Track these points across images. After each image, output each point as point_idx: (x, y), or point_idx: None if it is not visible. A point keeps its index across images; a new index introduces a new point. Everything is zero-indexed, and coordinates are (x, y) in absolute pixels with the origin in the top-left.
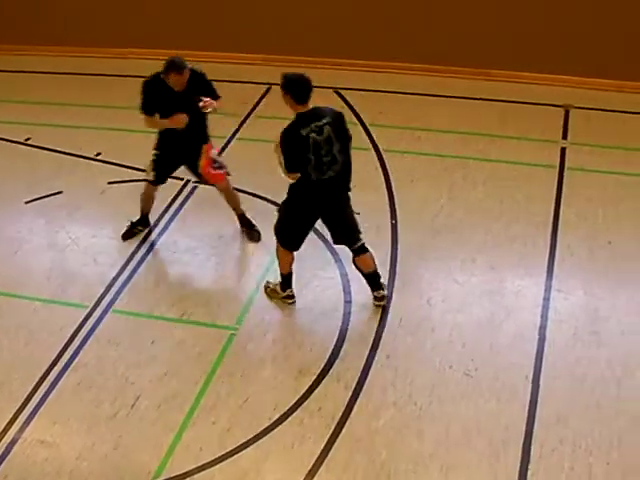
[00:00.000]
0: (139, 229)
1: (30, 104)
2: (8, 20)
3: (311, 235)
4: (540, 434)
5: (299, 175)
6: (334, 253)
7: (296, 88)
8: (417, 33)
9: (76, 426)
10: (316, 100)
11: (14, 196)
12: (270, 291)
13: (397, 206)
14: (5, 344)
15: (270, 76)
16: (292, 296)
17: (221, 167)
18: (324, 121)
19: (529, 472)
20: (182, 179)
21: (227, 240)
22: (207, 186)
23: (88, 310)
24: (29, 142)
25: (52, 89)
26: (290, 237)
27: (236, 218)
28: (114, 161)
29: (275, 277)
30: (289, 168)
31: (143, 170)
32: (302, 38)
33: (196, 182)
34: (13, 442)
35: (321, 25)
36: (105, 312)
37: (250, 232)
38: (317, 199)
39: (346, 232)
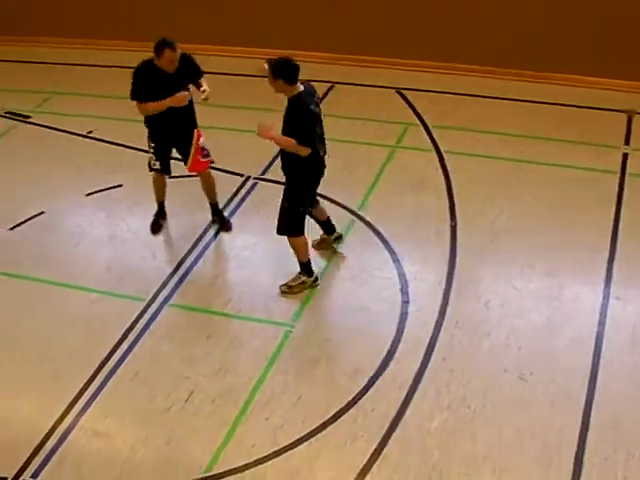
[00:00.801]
0: (160, 222)
1: (94, 97)
2: (77, 15)
3: (370, 234)
4: (594, 440)
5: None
6: (392, 253)
7: (287, 71)
8: (480, 35)
9: (130, 418)
10: (378, 101)
11: (75, 188)
12: (290, 288)
13: (457, 208)
14: (63, 334)
15: (332, 75)
16: (317, 277)
17: (208, 155)
18: (317, 96)
19: (581, 479)
20: (242, 175)
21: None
22: (267, 183)
23: (145, 303)
24: (91, 135)
25: (117, 83)
26: (301, 220)
27: (208, 206)
28: (175, 156)
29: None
30: (309, 143)
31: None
32: (365, 38)
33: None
34: (69, 430)
35: (384, 25)
36: (162, 306)
37: (223, 222)
38: (321, 173)
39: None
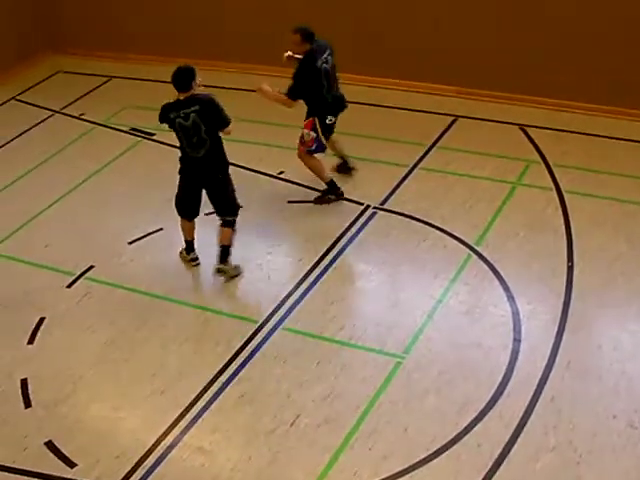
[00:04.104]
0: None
1: None
2: (144, 32)
3: (486, 270)
4: None
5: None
6: (507, 290)
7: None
8: (606, 73)
9: (235, 437)
10: (501, 137)
11: None
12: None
13: (575, 249)
14: (174, 350)
15: (455, 108)
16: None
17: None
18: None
19: None
20: (362, 204)
21: (403, 268)
22: (386, 213)
23: (258, 325)
24: None
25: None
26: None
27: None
28: (295, 180)
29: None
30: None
31: (316, 190)
32: (490, 73)
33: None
34: (172, 446)
35: (509, 61)
36: (274, 329)
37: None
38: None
39: None
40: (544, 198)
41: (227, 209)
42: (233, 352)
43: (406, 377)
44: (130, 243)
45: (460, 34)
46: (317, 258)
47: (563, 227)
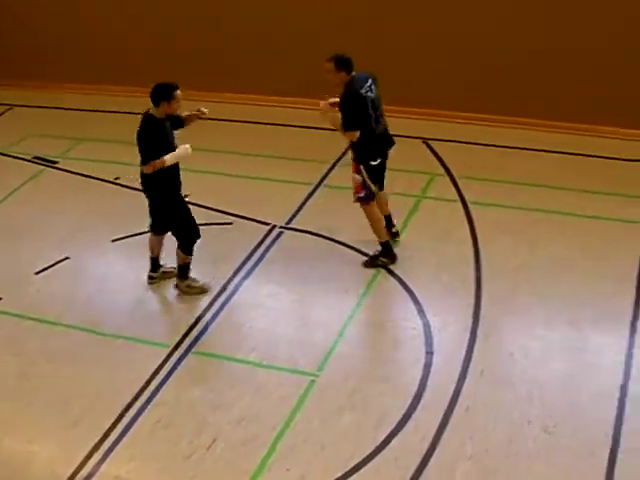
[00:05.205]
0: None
1: (122, 143)
2: (106, 61)
3: (395, 284)
4: None
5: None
6: (417, 303)
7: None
8: (509, 86)
9: (152, 464)
10: (405, 151)
11: (102, 234)
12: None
13: (481, 258)
14: (87, 379)
15: None
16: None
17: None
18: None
19: None
20: (268, 224)
21: (310, 287)
22: (292, 232)
23: (170, 349)
24: (118, 181)
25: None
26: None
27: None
28: (202, 203)
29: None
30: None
31: (223, 212)
32: (392, 87)
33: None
34: (89, 476)
35: (411, 76)
36: (186, 353)
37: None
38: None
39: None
40: (449, 210)
41: (172, 231)
42: (147, 378)
43: (320, 395)
44: (37, 273)
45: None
46: (225, 280)
47: (469, 237)
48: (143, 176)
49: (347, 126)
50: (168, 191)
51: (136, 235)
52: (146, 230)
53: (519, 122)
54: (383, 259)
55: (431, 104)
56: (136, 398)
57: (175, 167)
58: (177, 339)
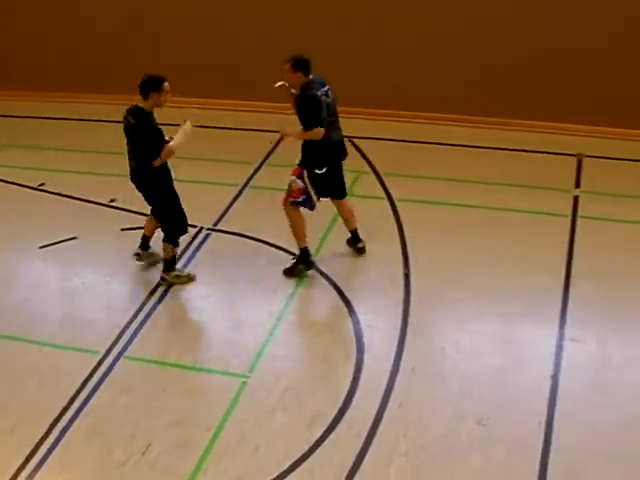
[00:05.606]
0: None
1: (47, 150)
2: (13, 66)
3: (324, 284)
4: None
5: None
6: (347, 302)
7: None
8: (432, 82)
9: (86, 472)
10: None
11: (28, 241)
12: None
13: (410, 255)
14: (16, 389)
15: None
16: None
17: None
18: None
19: None
20: (195, 226)
21: (239, 288)
22: (219, 233)
23: (100, 356)
24: (43, 187)
25: (61, 135)
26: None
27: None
28: (128, 208)
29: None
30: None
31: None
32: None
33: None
34: None
35: (334, 74)
36: (117, 358)
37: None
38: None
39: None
40: (376, 207)
41: (160, 222)
42: (78, 386)
43: (253, 396)
44: None
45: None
46: (154, 284)
47: (397, 235)
48: (136, 170)
49: (308, 125)
50: (160, 184)
51: (63, 241)
52: (72, 237)
53: (437, 118)
54: (300, 266)
55: (353, 102)
56: (68, 407)
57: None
58: (108, 345)
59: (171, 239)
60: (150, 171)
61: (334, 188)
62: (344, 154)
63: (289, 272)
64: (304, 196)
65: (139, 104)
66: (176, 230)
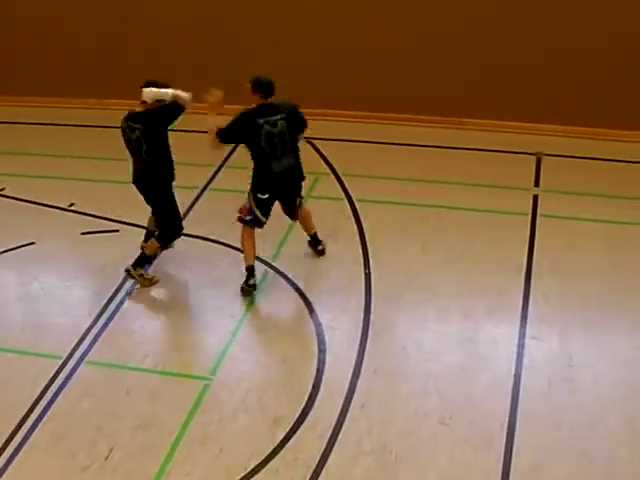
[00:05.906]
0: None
1: (3, 154)
2: None
3: (285, 285)
4: None
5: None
6: (307, 302)
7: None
8: (388, 82)
9: (50, 479)
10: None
11: None
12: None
13: (370, 255)
14: None
15: None
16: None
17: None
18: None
19: None
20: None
21: (201, 291)
22: (182, 237)
23: (61, 361)
24: (3, 193)
25: (20, 139)
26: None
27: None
28: (87, 212)
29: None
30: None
31: (115, 220)
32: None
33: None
34: None
35: (290, 74)
36: (79, 363)
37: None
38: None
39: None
40: (336, 208)
41: (156, 222)
42: (39, 391)
43: (215, 398)
44: None
45: (242, 54)
46: (115, 288)
47: (357, 235)
48: (140, 173)
49: (220, 133)
50: (163, 187)
51: (22, 247)
52: (31, 242)
53: (393, 118)
54: (249, 281)
55: (311, 104)
56: (29, 413)
57: (170, 164)
58: (69, 350)
59: (163, 240)
60: (156, 174)
61: (284, 210)
62: (288, 184)
63: (244, 292)
64: (251, 216)
65: (137, 109)
66: (172, 232)
